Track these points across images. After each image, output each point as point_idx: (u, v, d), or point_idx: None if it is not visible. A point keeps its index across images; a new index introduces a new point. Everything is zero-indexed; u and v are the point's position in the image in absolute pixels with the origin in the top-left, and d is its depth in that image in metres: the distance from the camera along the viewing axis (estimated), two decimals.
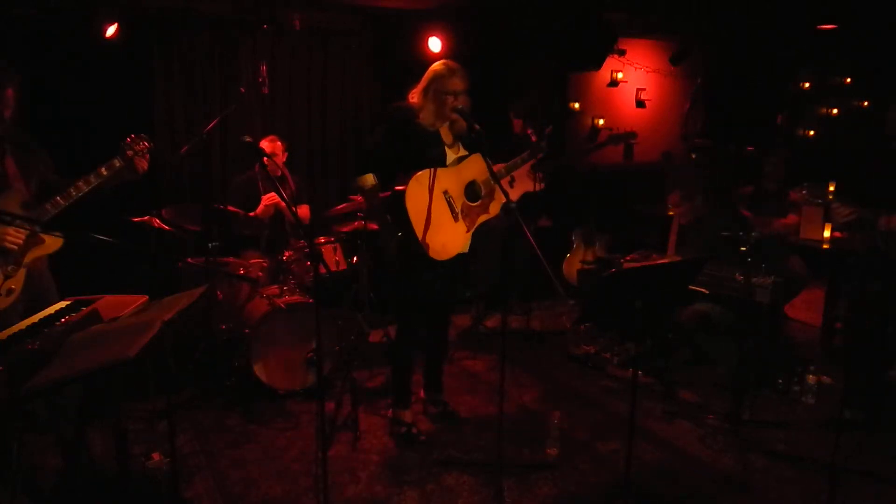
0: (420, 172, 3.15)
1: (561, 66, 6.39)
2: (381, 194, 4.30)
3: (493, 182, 3.28)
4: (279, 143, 4.55)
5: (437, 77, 3.20)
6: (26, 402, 1.95)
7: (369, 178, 3.26)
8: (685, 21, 6.28)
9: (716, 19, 6.14)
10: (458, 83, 3.20)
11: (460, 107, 3.15)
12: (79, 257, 3.27)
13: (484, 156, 3.07)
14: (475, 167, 3.31)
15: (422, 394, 3.79)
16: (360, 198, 4.47)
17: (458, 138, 3.35)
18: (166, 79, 4.95)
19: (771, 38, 6.76)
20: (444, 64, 3.26)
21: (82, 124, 4.43)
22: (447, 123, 3.29)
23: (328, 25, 5.43)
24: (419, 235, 3.14)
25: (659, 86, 7.05)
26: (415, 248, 3.15)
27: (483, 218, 3.35)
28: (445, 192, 3.21)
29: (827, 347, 4.73)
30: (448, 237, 3.23)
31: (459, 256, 3.32)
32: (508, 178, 3.53)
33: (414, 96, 3.30)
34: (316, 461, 3.10)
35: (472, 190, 3.31)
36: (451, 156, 3.29)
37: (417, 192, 3.14)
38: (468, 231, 3.31)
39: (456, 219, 3.25)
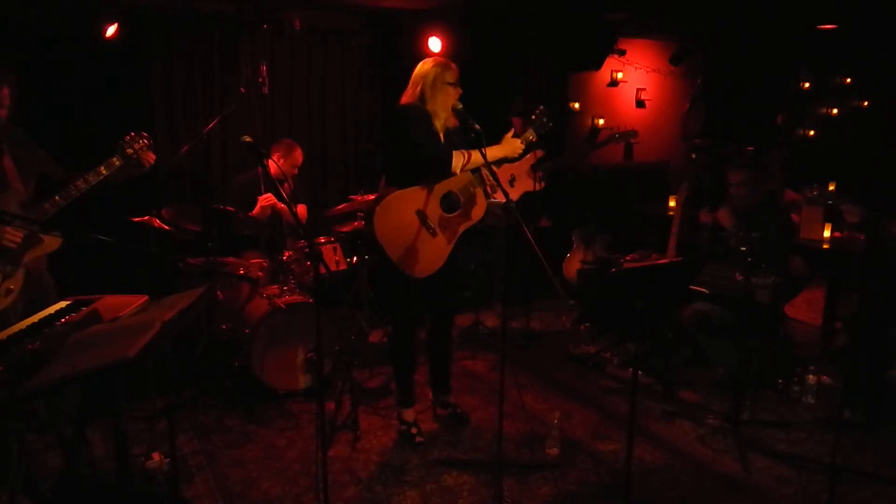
0: (386, 199, 3.13)
1: (561, 66, 6.38)
2: (367, 196, 4.29)
3: (472, 189, 3.28)
4: (299, 149, 4.54)
5: (438, 70, 3.21)
6: (26, 402, 1.95)
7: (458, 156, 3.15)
8: (685, 21, 6.28)
9: (716, 20, 6.14)
10: (454, 75, 3.24)
11: (460, 107, 3.15)
12: (79, 257, 3.27)
13: (483, 156, 3.05)
14: (451, 177, 3.25)
15: (430, 395, 3.79)
16: (359, 197, 4.47)
17: (449, 136, 3.31)
18: (166, 79, 4.95)
19: (771, 38, 6.75)
20: (438, 58, 3.29)
21: (82, 124, 4.43)
22: (443, 119, 3.27)
23: (328, 25, 5.43)
24: (394, 260, 3.13)
25: (659, 86, 7.05)
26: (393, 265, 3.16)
27: (466, 226, 3.30)
28: (418, 211, 3.17)
29: (827, 347, 4.73)
30: (427, 254, 3.19)
31: (446, 264, 3.29)
32: (508, 177, 3.51)
33: (412, 96, 3.25)
34: (316, 461, 3.11)
35: (448, 201, 3.26)
36: None
37: (385, 220, 3.12)
38: (449, 243, 3.26)
39: (434, 234, 3.20)
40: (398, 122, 3.21)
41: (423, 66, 3.26)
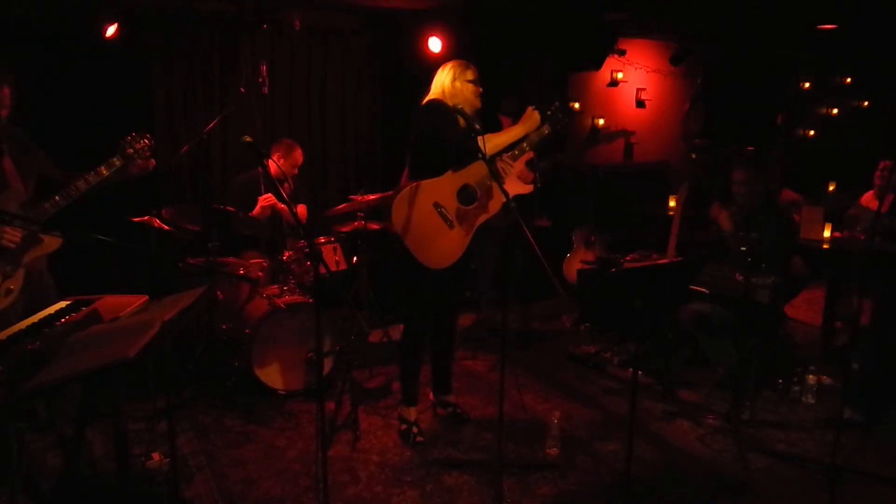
0: (404, 191, 3.19)
1: (561, 66, 6.38)
2: (368, 196, 4.30)
3: (488, 181, 3.32)
4: (299, 149, 4.54)
5: (458, 69, 3.32)
6: (26, 402, 1.95)
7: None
8: (685, 21, 6.28)
9: (716, 20, 6.14)
10: (474, 73, 3.34)
11: (459, 106, 3.16)
12: (79, 257, 3.27)
13: (483, 157, 3.06)
14: (468, 170, 3.30)
15: (431, 395, 3.79)
16: (359, 197, 4.48)
17: None
18: (166, 79, 4.94)
19: (771, 38, 6.75)
20: (456, 60, 3.38)
21: (82, 124, 4.43)
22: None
23: (328, 25, 5.43)
24: (413, 251, 3.18)
25: (659, 86, 7.05)
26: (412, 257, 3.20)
27: (483, 217, 3.36)
28: (436, 204, 3.22)
29: (827, 347, 4.73)
30: (444, 246, 3.25)
31: (463, 256, 3.33)
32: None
33: (434, 94, 3.32)
34: (316, 461, 3.10)
35: (466, 194, 3.31)
36: None
37: (403, 212, 3.17)
38: (467, 235, 3.31)
39: (451, 226, 3.26)
40: (424, 115, 3.27)
41: (442, 68, 3.37)
